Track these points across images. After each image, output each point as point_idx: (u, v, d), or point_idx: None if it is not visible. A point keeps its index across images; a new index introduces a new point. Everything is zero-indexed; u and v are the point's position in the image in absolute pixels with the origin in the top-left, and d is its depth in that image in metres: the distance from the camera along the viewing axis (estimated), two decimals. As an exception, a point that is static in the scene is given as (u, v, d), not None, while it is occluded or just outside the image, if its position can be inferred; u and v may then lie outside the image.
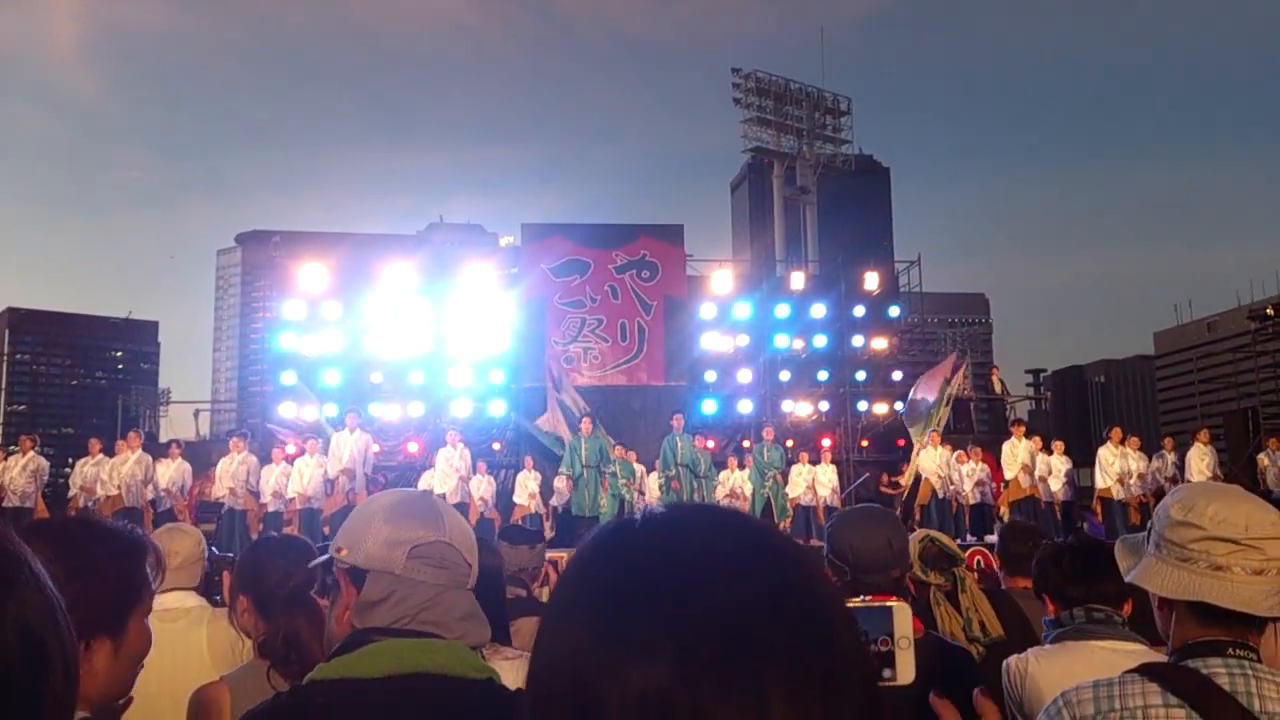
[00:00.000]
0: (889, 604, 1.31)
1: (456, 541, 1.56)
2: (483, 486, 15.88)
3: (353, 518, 1.60)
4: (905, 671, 1.27)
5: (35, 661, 0.77)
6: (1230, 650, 1.63)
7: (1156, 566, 1.72)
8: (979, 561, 11.70)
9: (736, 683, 0.62)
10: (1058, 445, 16.57)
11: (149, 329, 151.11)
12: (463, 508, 14.95)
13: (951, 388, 18.46)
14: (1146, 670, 1.67)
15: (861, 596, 2.23)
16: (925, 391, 18.67)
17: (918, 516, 16.61)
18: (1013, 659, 2.62)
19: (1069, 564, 2.71)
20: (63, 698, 0.79)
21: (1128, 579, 1.78)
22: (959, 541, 14.63)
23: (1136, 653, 2.42)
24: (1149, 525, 1.80)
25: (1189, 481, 15.16)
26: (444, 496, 14.58)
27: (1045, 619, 2.78)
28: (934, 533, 3.89)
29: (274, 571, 2.67)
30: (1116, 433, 16.24)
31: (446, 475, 15.25)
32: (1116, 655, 2.45)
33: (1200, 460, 15.65)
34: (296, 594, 2.64)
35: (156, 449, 16.25)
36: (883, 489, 18.35)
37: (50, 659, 0.78)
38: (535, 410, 18.69)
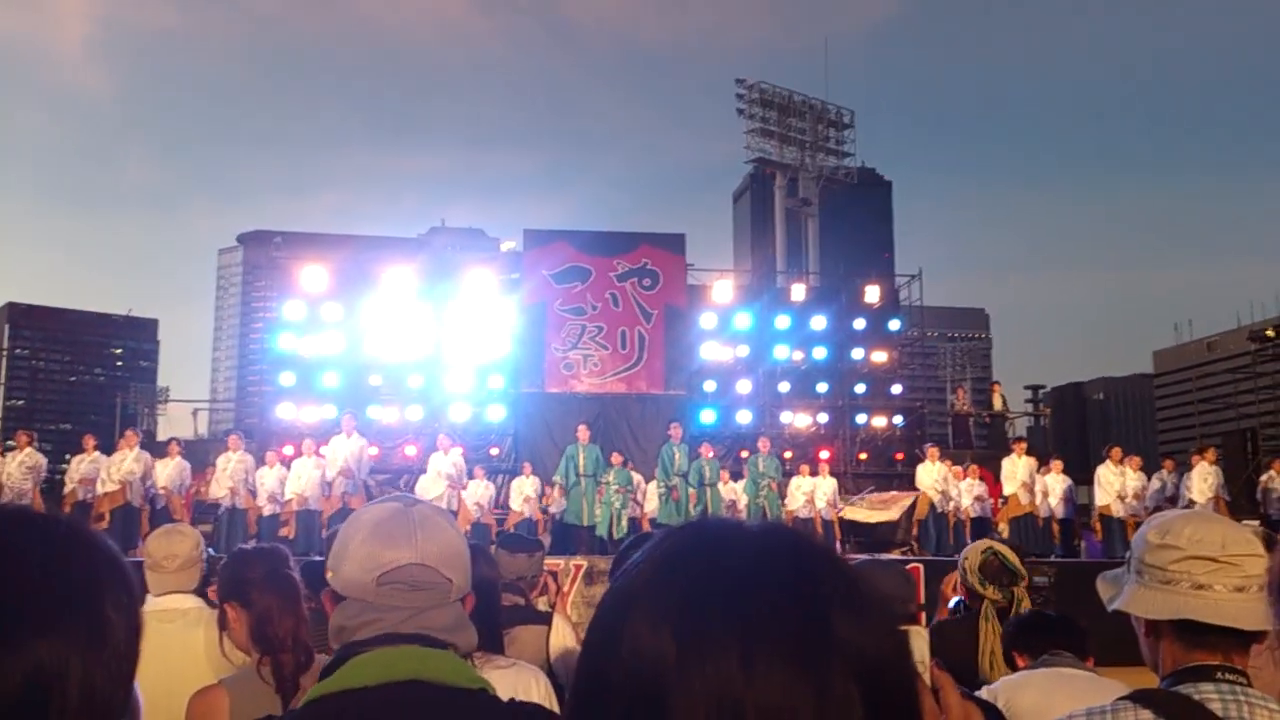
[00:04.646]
0: (906, 629, 1.32)
1: (431, 560, 1.48)
2: (479, 492, 15.82)
3: (338, 537, 1.57)
4: None
5: (40, 704, 0.74)
6: (1220, 675, 1.64)
7: (1139, 593, 1.74)
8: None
9: (799, 687, 0.64)
10: (1056, 464, 16.55)
11: (149, 327, 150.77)
12: (451, 515, 14.90)
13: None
14: (1139, 697, 1.67)
15: None
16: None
17: (915, 532, 16.60)
18: (983, 689, 2.74)
19: (1036, 625, 3.09)
20: None
21: (1111, 608, 1.80)
22: (958, 557, 14.68)
23: (1092, 676, 2.77)
24: (1128, 555, 1.83)
25: (1189, 501, 15.18)
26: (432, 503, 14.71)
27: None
28: (998, 545, 3.80)
29: (255, 575, 2.70)
30: (1116, 452, 16.22)
31: (436, 481, 15.07)
32: (1078, 674, 2.75)
33: (1203, 480, 15.54)
34: (271, 574, 2.68)
35: (155, 448, 16.22)
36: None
37: (65, 698, 0.75)
38: (534, 416, 18.71)
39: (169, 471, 14.92)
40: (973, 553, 3.78)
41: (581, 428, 16.08)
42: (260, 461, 15.25)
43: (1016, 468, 15.89)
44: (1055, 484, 16.08)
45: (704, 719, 0.64)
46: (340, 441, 15.11)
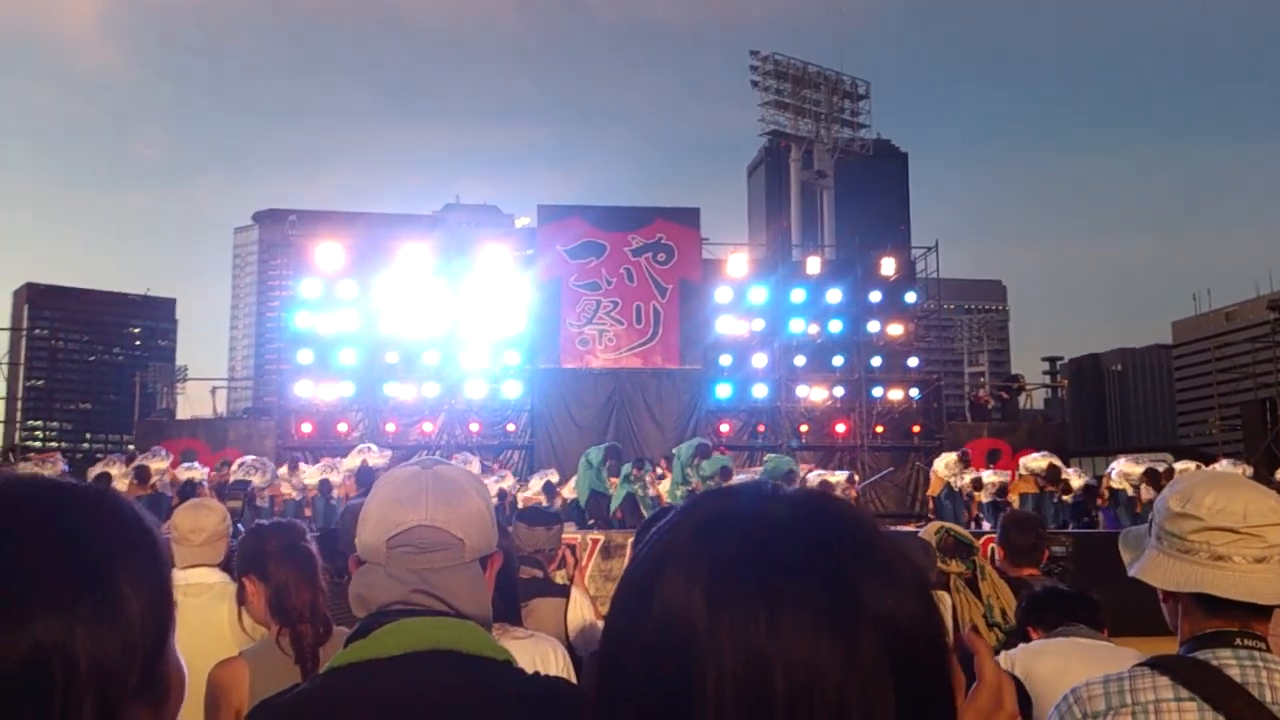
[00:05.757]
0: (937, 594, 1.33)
1: (440, 520, 1.46)
2: (506, 480, 15.84)
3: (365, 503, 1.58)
4: None
5: (40, 688, 0.71)
6: (1238, 641, 1.63)
7: (1158, 560, 1.71)
8: (992, 551, 11.66)
9: (826, 649, 0.65)
10: (1079, 480, 16.53)
11: (166, 306, 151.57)
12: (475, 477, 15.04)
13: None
14: (1157, 663, 1.66)
15: None
16: None
17: (931, 506, 16.59)
18: (1001, 655, 2.73)
19: (1049, 600, 3.06)
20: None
21: (1130, 573, 1.77)
22: (972, 529, 14.67)
23: (1108, 645, 2.76)
24: (1150, 518, 1.79)
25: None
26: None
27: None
28: (947, 524, 4.07)
29: (272, 548, 2.73)
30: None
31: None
32: (1094, 644, 2.76)
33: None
34: (287, 548, 2.70)
35: (168, 431, 16.30)
36: None
37: (70, 674, 0.72)
38: (550, 392, 18.73)
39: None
40: (928, 535, 3.99)
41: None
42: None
43: (1039, 463, 15.83)
44: (1075, 479, 16.13)
45: (731, 679, 0.65)
46: None
